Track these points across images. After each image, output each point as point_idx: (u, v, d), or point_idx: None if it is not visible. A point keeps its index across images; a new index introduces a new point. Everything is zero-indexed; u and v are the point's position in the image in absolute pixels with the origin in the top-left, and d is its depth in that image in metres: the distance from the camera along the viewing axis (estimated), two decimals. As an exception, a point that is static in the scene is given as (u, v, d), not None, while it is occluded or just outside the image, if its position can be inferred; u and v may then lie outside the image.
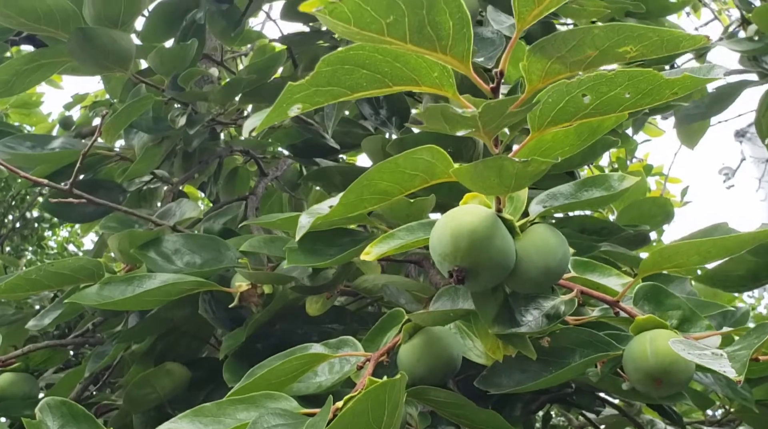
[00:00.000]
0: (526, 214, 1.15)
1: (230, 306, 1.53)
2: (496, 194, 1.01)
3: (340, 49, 0.83)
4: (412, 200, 1.31)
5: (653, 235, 5.00)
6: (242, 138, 0.93)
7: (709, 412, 2.60)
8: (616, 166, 5.61)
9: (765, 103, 2.40)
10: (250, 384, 1.14)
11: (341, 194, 0.95)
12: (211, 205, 2.92)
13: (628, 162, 5.76)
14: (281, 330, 1.61)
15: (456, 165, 0.96)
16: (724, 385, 1.53)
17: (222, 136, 2.55)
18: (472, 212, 1.02)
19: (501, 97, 0.88)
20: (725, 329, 1.14)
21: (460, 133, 0.86)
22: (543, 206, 1.15)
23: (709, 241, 1.05)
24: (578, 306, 1.34)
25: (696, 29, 4.43)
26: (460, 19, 0.79)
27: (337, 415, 0.87)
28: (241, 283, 1.53)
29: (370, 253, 1.12)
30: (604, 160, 6.04)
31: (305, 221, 1.05)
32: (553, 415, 3.35)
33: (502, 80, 0.89)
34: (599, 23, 0.78)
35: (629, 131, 3.07)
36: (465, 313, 1.17)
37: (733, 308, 1.37)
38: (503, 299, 1.13)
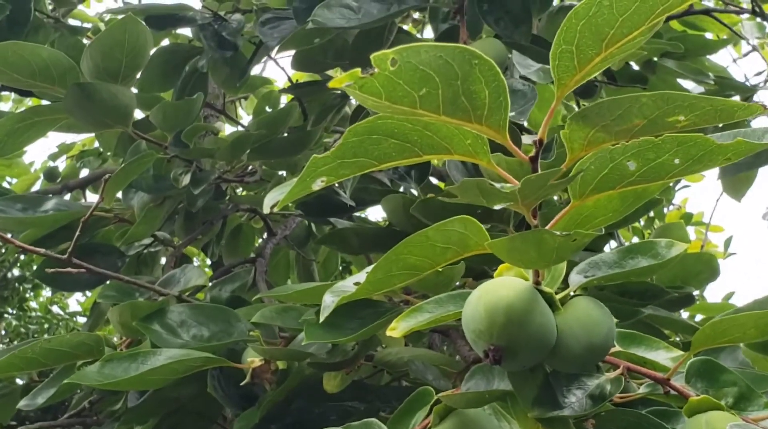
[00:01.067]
0: (565, 284, 1.15)
1: (242, 383, 1.53)
2: (534, 268, 1.02)
3: (367, 119, 0.84)
4: (440, 269, 1.32)
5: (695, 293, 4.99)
6: (266, 212, 0.95)
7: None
8: (651, 214, 5.61)
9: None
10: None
11: (368, 270, 0.96)
12: (208, 264, 2.94)
13: (666, 209, 5.76)
14: (297, 409, 1.61)
15: (488, 232, 0.97)
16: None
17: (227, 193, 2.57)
18: (508, 285, 1.02)
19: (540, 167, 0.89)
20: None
21: (497, 207, 0.87)
22: (585, 276, 1.16)
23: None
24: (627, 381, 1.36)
25: (734, 61, 4.45)
26: (496, 88, 0.81)
27: None
28: (253, 359, 1.53)
29: (396, 328, 1.12)
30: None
31: (329, 301, 1.06)
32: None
33: (543, 143, 0.90)
34: (646, 92, 0.79)
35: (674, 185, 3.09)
36: (502, 394, 1.17)
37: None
38: (543, 379, 1.13)
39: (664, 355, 1.26)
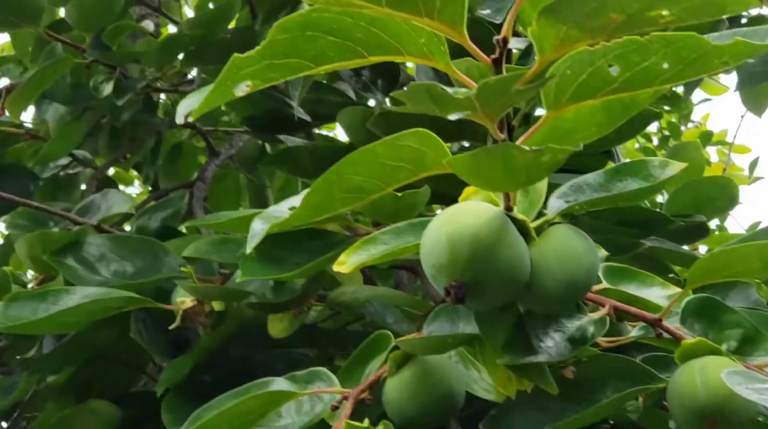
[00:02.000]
0: (543, 212, 1.15)
1: (171, 327, 1.53)
2: (502, 190, 1.01)
3: (298, 12, 0.83)
4: (399, 194, 1.31)
5: (714, 223, 5.04)
6: (179, 122, 0.93)
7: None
8: (667, 133, 5.62)
9: None
10: (198, 430, 1.15)
11: (305, 193, 0.95)
12: (149, 192, 2.93)
13: (683, 127, 5.77)
14: (236, 357, 1.61)
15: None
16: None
17: (160, 106, 2.55)
18: (474, 212, 1.01)
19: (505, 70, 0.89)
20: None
21: (453, 117, 0.86)
22: (565, 202, 1.15)
23: (775, 244, 1.06)
24: (613, 324, 1.36)
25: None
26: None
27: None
28: (183, 299, 1.52)
29: (346, 262, 1.12)
30: (653, 125, 6.06)
31: (258, 228, 1.05)
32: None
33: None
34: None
35: (681, 90, 3.07)
36: (468, 338, 1.17)
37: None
38: (516, 320, 1.14)
39: (659, 293, 1.27)
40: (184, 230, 2.18)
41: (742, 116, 5.21)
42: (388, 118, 1.56)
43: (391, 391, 1.22)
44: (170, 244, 1.65)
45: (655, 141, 5.60)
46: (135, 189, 4.21)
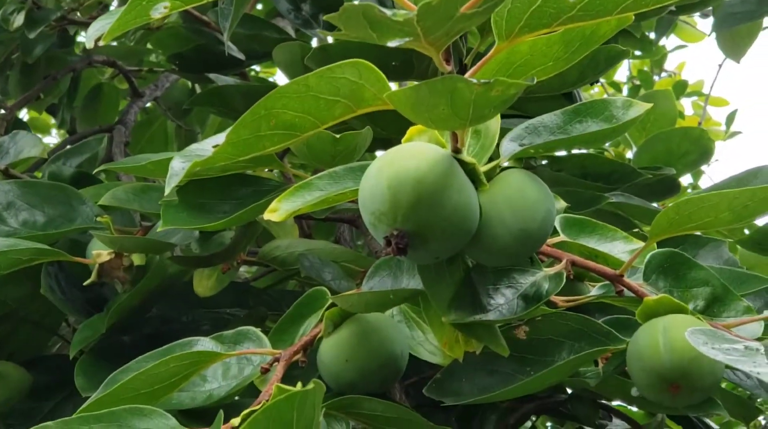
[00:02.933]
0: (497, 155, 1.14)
1: (85, 283, 1.51)
2: (448, 128, 1.00)
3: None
4: (338, 136, 1.30)
5: (687, 181, 5.08)
6: (89, 47, 0.91)
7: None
8: (638, 82, 5.65)
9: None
10: (111, 394, 1.13)
11: (230, 129, 0.94)
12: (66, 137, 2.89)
13: (656, 77, 5.79)
14: (158, 317, 1.61)
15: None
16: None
17: (77, 41, 2.51)
18: (417, 154, 1.00)
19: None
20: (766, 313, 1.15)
21: (392, 44, 0.85)
22: (519, 145, 1.14)
23: (745, 193, 1.06)
24: (572, 282, 1.36)
25: None
26: None
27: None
28: (100, 252, 1.51)
29: (278, 209, 1.11)
30: (623, 73, 6.08)
31: (178, 167, 1.03)
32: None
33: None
34: None
35: (653, 35, 3.08)
36: (411, 294, 1.17)
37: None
38: (463, 275, 1.13)
39: (621, 248, 1.27)
40: (103, 177, 2.16)
41: (720, 65, 5.24)
42: (328, 54, 1.55)
43: (326, 353, 1.22)
44: (86, 192, 1.63)
45: (625, 91, 5.63)
46: (53, 139, 4.18)
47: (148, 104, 2.90)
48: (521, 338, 1.18)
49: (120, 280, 1.52)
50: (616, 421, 2.10)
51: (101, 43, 0.90)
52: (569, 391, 1.76)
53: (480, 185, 1.05)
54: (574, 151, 2.11)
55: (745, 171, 1.67)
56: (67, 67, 2.38)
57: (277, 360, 1.18)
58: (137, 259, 1.53)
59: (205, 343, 1.21)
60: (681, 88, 5.46)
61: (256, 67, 3.45)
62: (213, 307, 1.62)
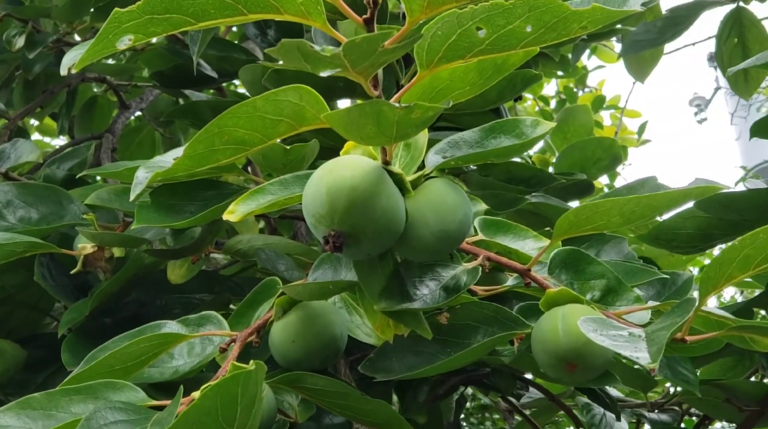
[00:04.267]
0: (423, 166, 1.15)
1: (72, 272, 1.51)
2: (375, 145, 1.01)
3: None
4: (288, 147, 1.31)
5: (605, 181, 5.10)
6: (63, 74, 0.91)
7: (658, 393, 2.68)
8: (564, 97, 5.68)
9: (726, 30, 2.44)
10: (89, 370, 1.13)
11: (186, 144, 0.94)
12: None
13: (579, 92, 5.84)
14: (136, 301, 1.60)
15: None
16: (662, 365, 1.58)
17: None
18: (352, 165, 1.01)
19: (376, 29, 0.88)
20: (651, 303, 1.16)
21: (324, 74, 0.85)
22: (442, 157, 1.15)
23: (633, 200, 1.07)
24: (493, 273, 1.37)
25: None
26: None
27: (182, 413, 0.86)
28: (85, 245, 1.50)
29: (235, 211, 1.11)
30: (551, 88, 6.11)
31: (142, 177, 1.03)
32: (481, 401, 3.42)
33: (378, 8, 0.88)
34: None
35: (572, 57, 3.10)
36: (348, 285, 1.17)
37: (667, 276, 1.40)
38: (392, 269, 1.14)
39: (531, 245, 1.28)
40: (98, 180, 2.15)
41: (634, 83, 5.28)
42: (282, 76, 1.54)
43: (276, 334, 1.22)
44: (75, 193, 1.63)
45: (553, 104, 5.66)
46: (60, 141, 4.15)
47: (138, 113, 2.89)
48: (443, 323, 1.19)
49: (102, 269, 1.52)
50: (533, 391, 2.12)
51: (74, 71, 0.89)
52: (491, 366, 1.77)
53: (406, 192, 1.06)
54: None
55: (635, 181, 1.68)
56: (63, 82, 2.37)
57: (234, 341, 1.18)
58: (117, 252, 1.52)
59: (171, 326, 1.20)
60: (600, 102, 5.50)
61: (236, 81, 3.44)
62: (184, 293, 1.62)
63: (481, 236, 1.27)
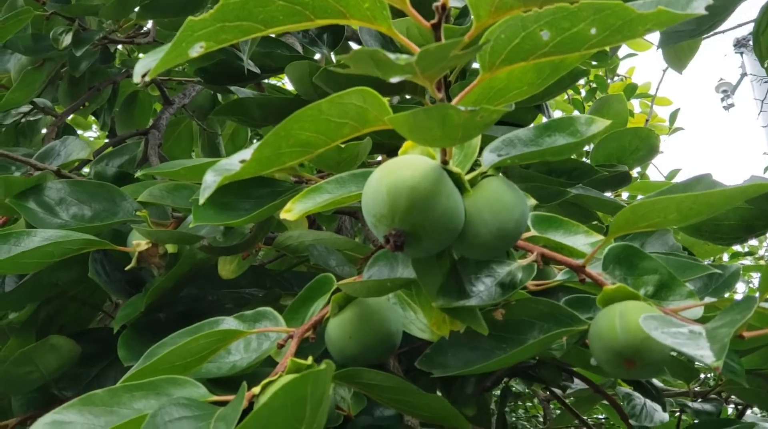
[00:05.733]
0: (477, 163, 1.15)
1: (126, 268, 1.52)
2: (440, 146, 1.01)
3: (249, -23, 0.82)
4: (342, 145, 1.31)
5: (636, 171, 5.08)
6: (136, 81, 0.91)
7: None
8: (594, 86, 5.66)
9: (765, 18, 2.42)
10: (150, 366, 1.14)
11: (254, 147, 0.95)
12: (105, 137, 2.89)
13: (609, 80, 5.81)
14: (188, 296, 1.61)
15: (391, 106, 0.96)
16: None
17: (117, 56, 2.51)
18: (412, 165, 1.01)
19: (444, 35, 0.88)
20: (707, 299, 1.16)
21: (395, 80, 0.86)
22: (498, 155, 1.15)
23: (690, 197, 1.07)
24: (543, 267, 1.37)
25: None
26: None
27: (251, 412, 0.87)
28: (139, 242, 1.52)
29: (292, 210, 1.12)
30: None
31: (211, 181, 1.03)
32: (513, 389, 3.43)
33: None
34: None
35: (612, 53, 3.08)
36: (405, 282, 1.18)
37: (719, 270, 1.40)
38: (450, 266, 1.14)
39: (582, 241, 1.28)
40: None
41: (664, 70, 5.26)
42: (334, 74, 1.55)
43: (333, 331, 1.23)
44: (126, 189, 1.64)
45: (583, 93, 5.65)
46: (92, 133, 4.18)
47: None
48: (498, 319, 1.19)
49: (156, 265, 1.53)
50: (576, 381, 2.12)
51: (147, 79, 0.90)
52: (537, 358, 1.78)
53: (464, 191, 1.06)
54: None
55: (690, 178, 1.67)
56: (109, 79, 2.38)
57: (290, 337, 1.19)
58: (170, 248, 1.54)
59: (229, 322, 1.21)
60: (631, 90, 5.48)
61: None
62: (235, 288, 1.63)
63: (533, 232, 1.28)
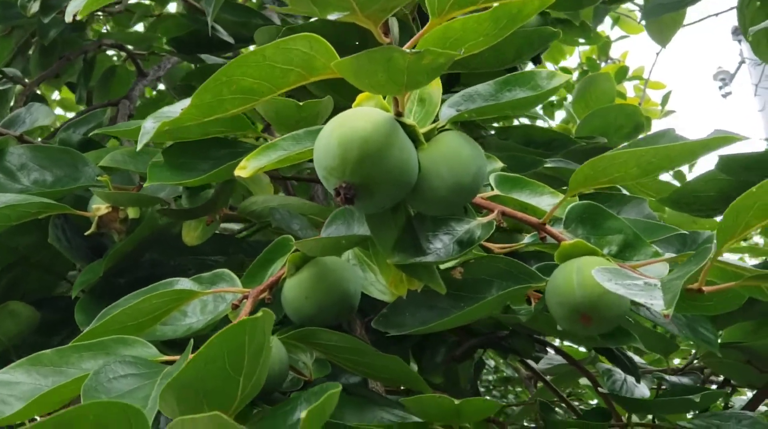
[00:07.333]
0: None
1: (86, 233, 1.50)
2: (386, 93, 0.99)
3: None
4: (302, 104, 1.30)
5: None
6: (68, 20, 0.89)
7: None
8: (586, 68, 5.64)
9: (749, -11, 2.40)
10: (101, 327, 1.13)
11: (194, 94, 0.93)
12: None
13: (603, 63, 5.80)
14: (150, 262, 1.59)
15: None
16: (682, 324, 1.56)
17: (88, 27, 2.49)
18: (364, 116, 1.00)
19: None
20: (668, 255, 1.14)
21: (332, 17, 0.84)
22: (456, 110, 1.14)
23: (650, 151, 1.05)
24: (511, 235, 1.36)
25: None
26: None
27: (187, 360, 0.85)
28: (99, 206, 1.50)
29: (246, 167, 1.10)
30: (574, 60, 6.07)
31: (150, 127, 1.01)
32: (493, 373, 3.42)
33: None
34: None
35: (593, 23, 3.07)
36: (361, 240, 1.16)
37: (686, 232, 1.38)
38: (405, 223, 1.13)
39: (548, 201, 1.27)
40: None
41: (657, 54, 5.25)
42: (295, 32, 1.53)
43: (289, 291, 1.21)
44: (89, 156, 1.62)
45: (575, 76, 5.63)
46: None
47: (162, 88, 2.88)
48: (457, 278, 1.17)
49: (117, 231, 1.51)
50: (554, 357, 2.11)
51: (78, 17, 0.88)
52: (510, 328, 1.76)
53: (419, 144, 1.05)
54: (520, 123, 2.11)
55: (653, 133, 1.66)
56: (80, 49, 2.36)
57: (246, 297, 1.18)
58: (132, 213, 1.52)
59: (184, 283, 1.20)
60: (623, 73, 5.47)
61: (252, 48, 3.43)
62: (198, 255, 1.62)
63: (497, 192, 1.26)
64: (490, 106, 1.13)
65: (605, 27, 5.24)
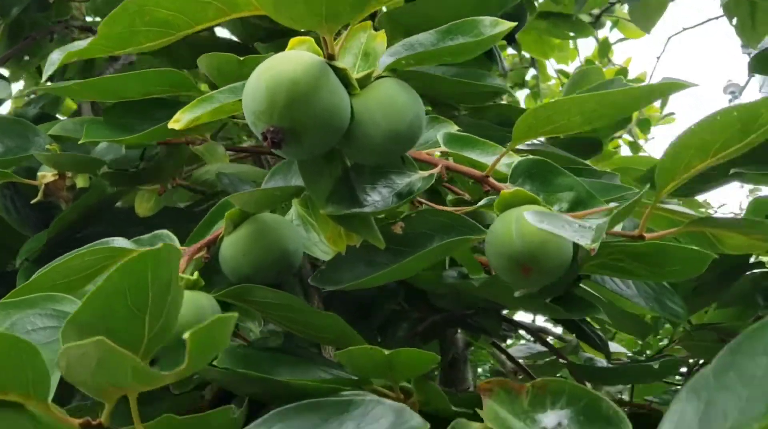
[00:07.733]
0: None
1: (32, 202, 1.47)
2: (307, 27, 0.96)
3: None
4: (242, 59, 1.27)
5: (626, 152, 5.05)
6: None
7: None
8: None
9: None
10: (30, 285, 1.10)
11: (101, 23, 0.90)
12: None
13: (604, 68, 5.78)
14: (97, 232, 1.55)
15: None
16: (650, 297, 1.53)
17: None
18: (294, 59, 0.97)
19: None
20: (612, 205, 1.10)
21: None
22: (395, 58, 1.10)
23: (594, 97, 1.02)
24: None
25: None
26: None
27: (85, 296, 0.81)
28: (45, 173, 1.46)
29: (180, 119, 1.07)
30: (575, 66, 6.04)
31: (55, 58, 0.98)
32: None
33: None
34: None
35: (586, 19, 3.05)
36: (296, 191, 1.13)
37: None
38: (341, 173, 1.09)
39: (495, 159, 1.23)
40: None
41: (658, 58, 5.25)
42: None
43: (226, 249, 1.18)
44: (42, 127, 1.59)
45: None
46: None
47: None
48: (398, 233, 1.14)
49: (64, 199, 1.48)
50: (534, 345, 2.08)
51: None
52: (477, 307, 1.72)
53: (353, 89, 1.02)
54: (495, 103, 2.08)
55: (601, 82, 1.63)
56: (46, 30, 2.32)
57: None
58: (80, 181, 1.48)
59: (120, 242, 1.17)
60: (622, 75, 5.45)
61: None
62: (150, 227, 1.58)
63: (444, 149, 1.23)
64: (429, 51, 1.09)
65: (605, 31, 5.23)
